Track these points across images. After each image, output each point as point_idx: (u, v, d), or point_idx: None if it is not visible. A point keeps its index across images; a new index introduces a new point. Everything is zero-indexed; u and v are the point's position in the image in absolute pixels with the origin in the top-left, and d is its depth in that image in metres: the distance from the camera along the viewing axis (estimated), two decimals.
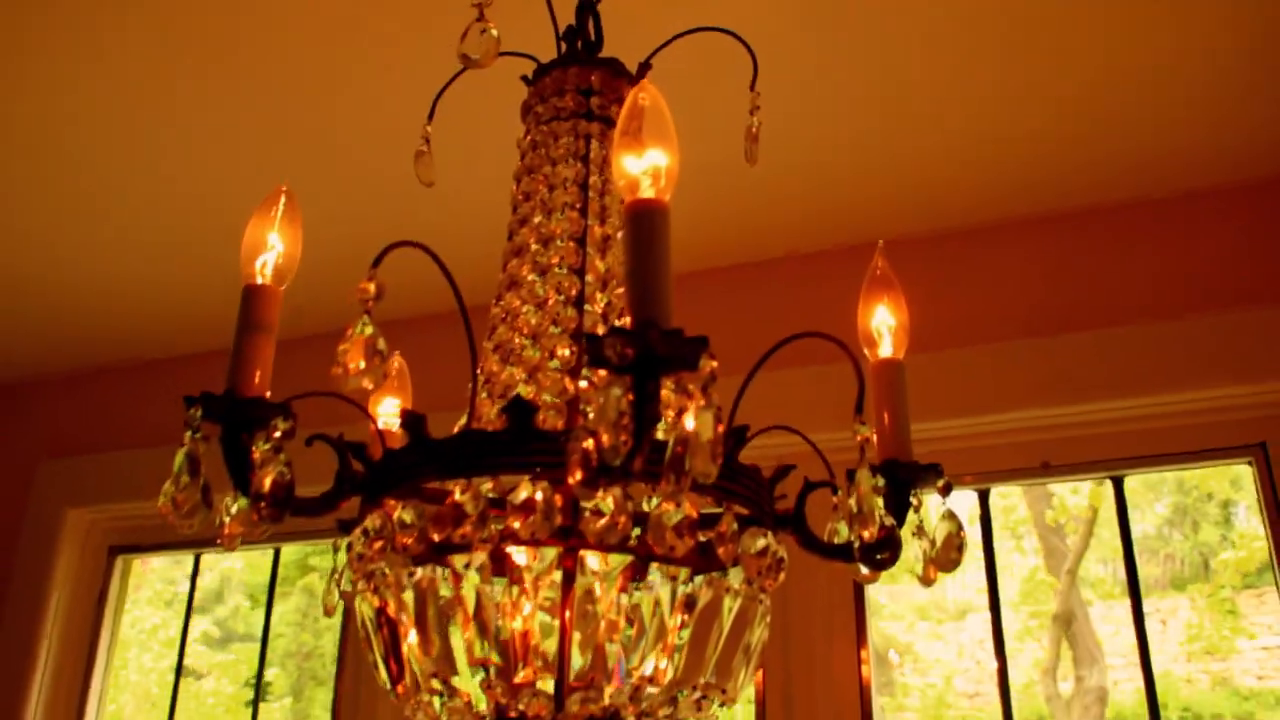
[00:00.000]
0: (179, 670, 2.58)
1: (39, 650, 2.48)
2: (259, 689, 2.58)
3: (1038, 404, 1.85)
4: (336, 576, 0.97)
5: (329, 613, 0.96)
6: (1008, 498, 9.70)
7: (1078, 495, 10.22)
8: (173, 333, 2.56)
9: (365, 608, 0.79)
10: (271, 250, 0.81)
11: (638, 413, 0.59)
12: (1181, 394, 1.79)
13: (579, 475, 0.61)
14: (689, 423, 0.60)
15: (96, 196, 2.02)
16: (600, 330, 0.85)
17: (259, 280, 0.80)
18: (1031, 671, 9.75)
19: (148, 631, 7.63)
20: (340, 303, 2.21)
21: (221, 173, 1.95)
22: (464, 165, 1.78)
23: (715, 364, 0.62)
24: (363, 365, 0.70)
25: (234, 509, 0.83)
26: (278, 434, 0.75)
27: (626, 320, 0.85)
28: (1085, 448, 1.86)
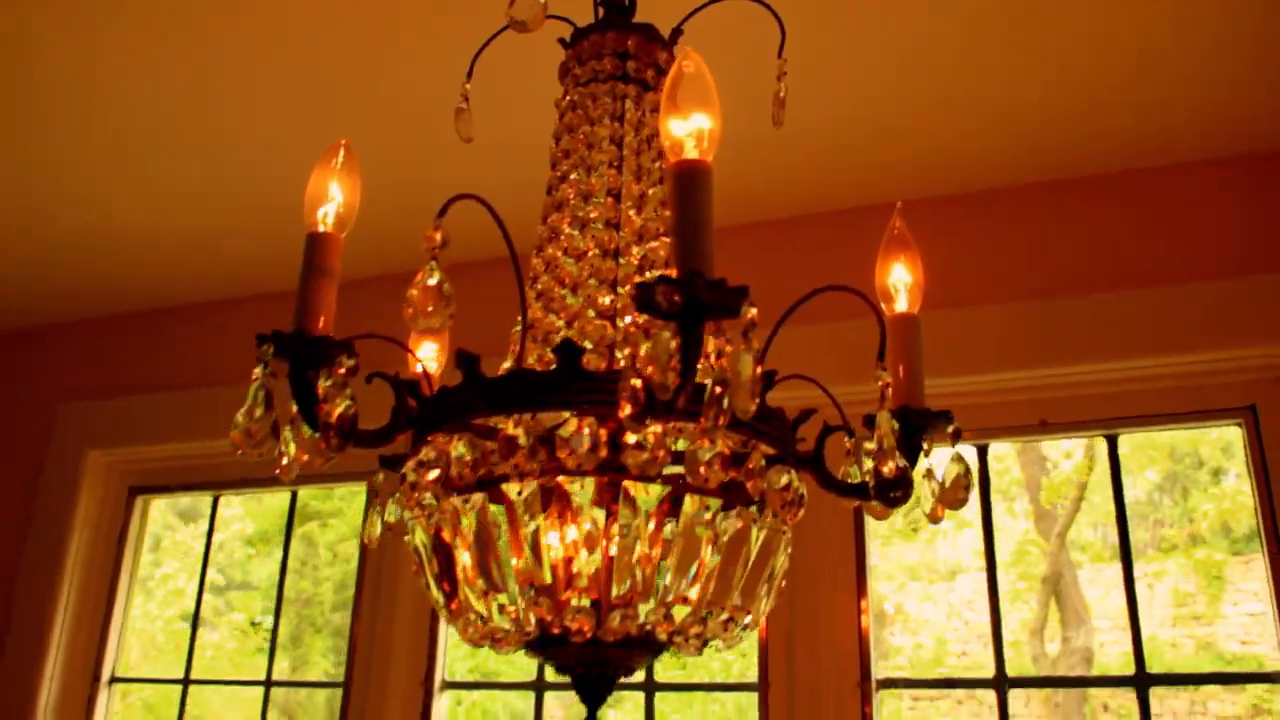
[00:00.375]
0: (197, 610, 2.66)
1: (61, 588, 2.56)
2: (276, 631, 2.65)
3: (1037, 364, 1.91)
4: (379, 509, 1.04)
5: (370, 544, 1.03)
6: (1001, 460, 9.80)
7: (1070, 459, 10.32)
8: (194, 279, 2.61)
9: (420, 534, 0.85)
10: (332, 200, 0.87)
11: (684, 355, 0.65)
12: (1175, 357, 1.85)
13: (629, 410, 0.67)
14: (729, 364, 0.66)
15: (129, 142, 2.05)
16: (636, 281, 0.91)
17: (321, 228, 0.86)
18: (1019, 632, 9.90)
19: (157, 580, 7.74)
20: (371, 250, 2.27)
21: (254, 122, 1.98)
22: (501, 122, 1.83)
23: (755, 311, 0.68)
24: (431, 308, 0.76)
25: (291, 442, 0.89)
26: (342, 371, 0.80)
27: (657, 273, 0.91)
28: (1081, 407, 1.93)
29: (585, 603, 0.79)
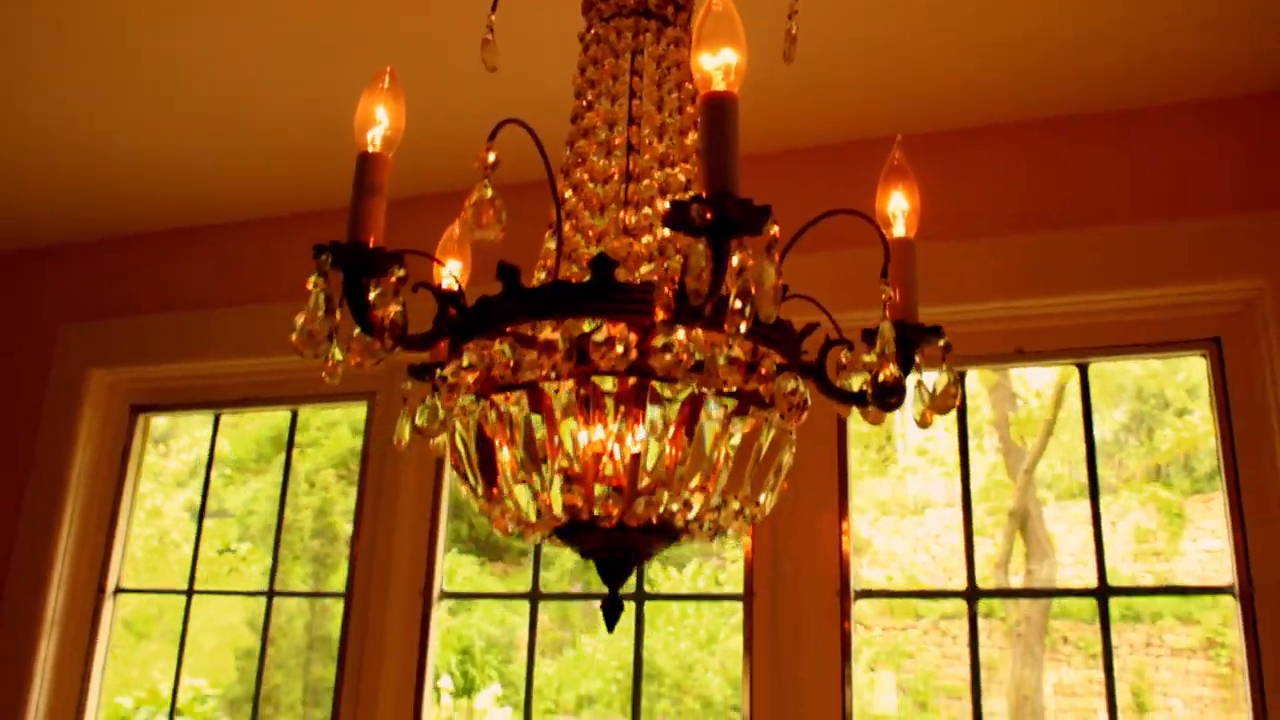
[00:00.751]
0: (200, 521, 2.75)
1: (65, 503, 2.63)
2: (278, 543, 2.74)
3: (1015, 295, 2.01)
4: (408, 415, 1.12)
5: (399, 446, 1.11)
6: (973, 399, 9.99)
7: (1040, 400, 10.52)
8: (197, 201, 2.65)
9: (461, 429, 0.94)
10: (379, 124, 0.94)
11: (714, 266, 0.74)
12: (1145, 291, 1.95)
13: (663, 315, 0.76)
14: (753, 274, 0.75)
15: (133, 61, 2.07)
16: (660, 204, 0.99)
17: (370, 149, 0.93)
18: (985, 566, 10.17)
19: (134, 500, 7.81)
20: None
21: (263, 43, 2.01)
22: (525, 53, 1.88)
23: (777, 229, 0.77)
24: (486, 220, 0.84)
25: (335, 348, 0.97)
26: (393, 279, 0.88)
27: (675, 196, 1.00)
28: (1056, 337, 2.03)
29: (613, 492, 0.89)
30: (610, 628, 0.97)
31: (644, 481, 0.89)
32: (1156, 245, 1.95)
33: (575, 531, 0.93)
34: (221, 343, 2.60)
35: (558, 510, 0.91)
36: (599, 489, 0.88)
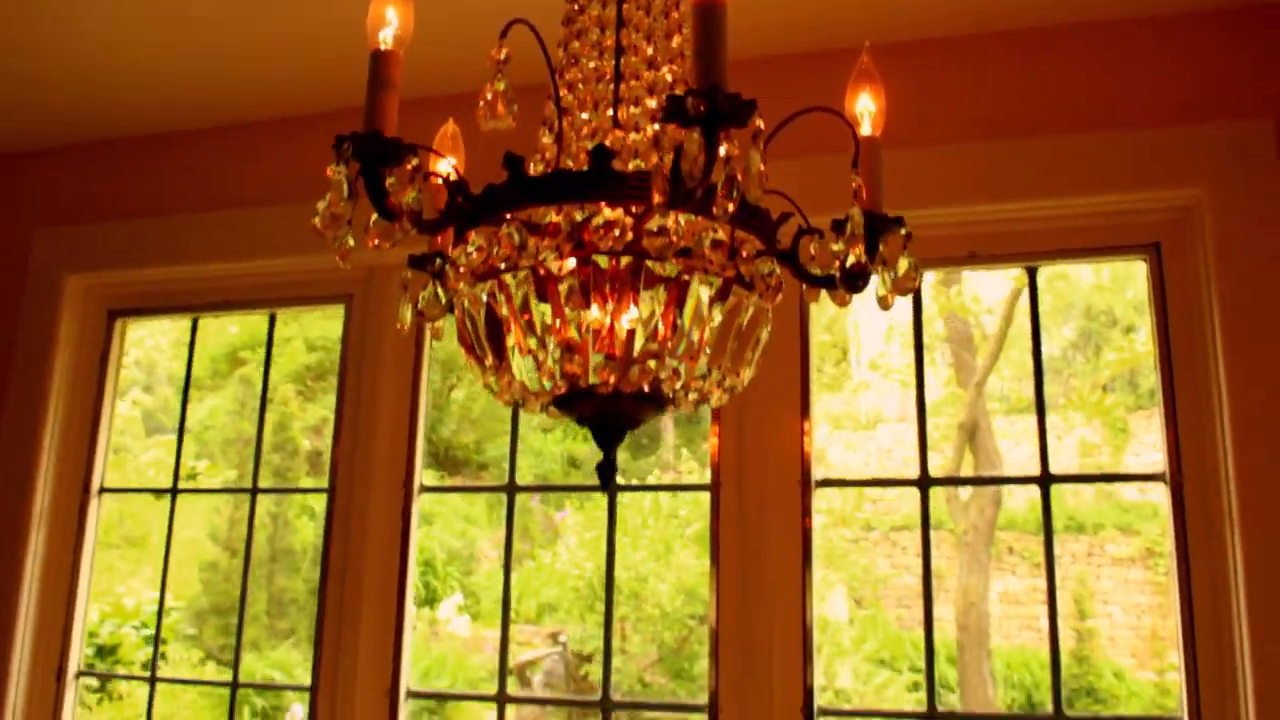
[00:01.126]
0: (182, 423, 2.82)
1: (48, 407, 2.69)
2: (260, 439, 2.82)
3: (968, 201, 2.12)
4: (410, 302, 1.21)
5: (402, 330, 1.20)
6: (924, 312, 10.20)
7: (993, 315, 10.73)
8: (172, 106, 2.68)
9: (471, 307, 1.03)
10: (390, 24, 1.01)
11: (707, 151, 0.83)
12: (1092, 197, 2.07)
13: (659, 198, 0.85)
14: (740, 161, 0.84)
15: None
16: (648, 102, 1.08)
17: (383, 47, 1.01)
18: (935, 474, 10.44)
19: None
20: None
21: None
22: None
23: (761, 122, 0.86)
24: (501, 110, 0.92)
25: (349, 235, 1.05)
26: (409, 168, 0.97)
27: (665, 94, 1.08)
28: (1006, 241, 2.15)
29: (609, 362, 0.99)
30: (604, 488, 1.07)
31: (639, 350, 0.99)
32: (1103, 154, 2.06)
33: (573, 399, 1.03)
34: (198, 247, 2.65)
35: (557, 380, 1.01)
36: (596, 358, 0.98)
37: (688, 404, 1.07)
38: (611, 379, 0.98)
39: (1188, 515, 1.98)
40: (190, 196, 2.70)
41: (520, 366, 1.01)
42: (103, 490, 2.74)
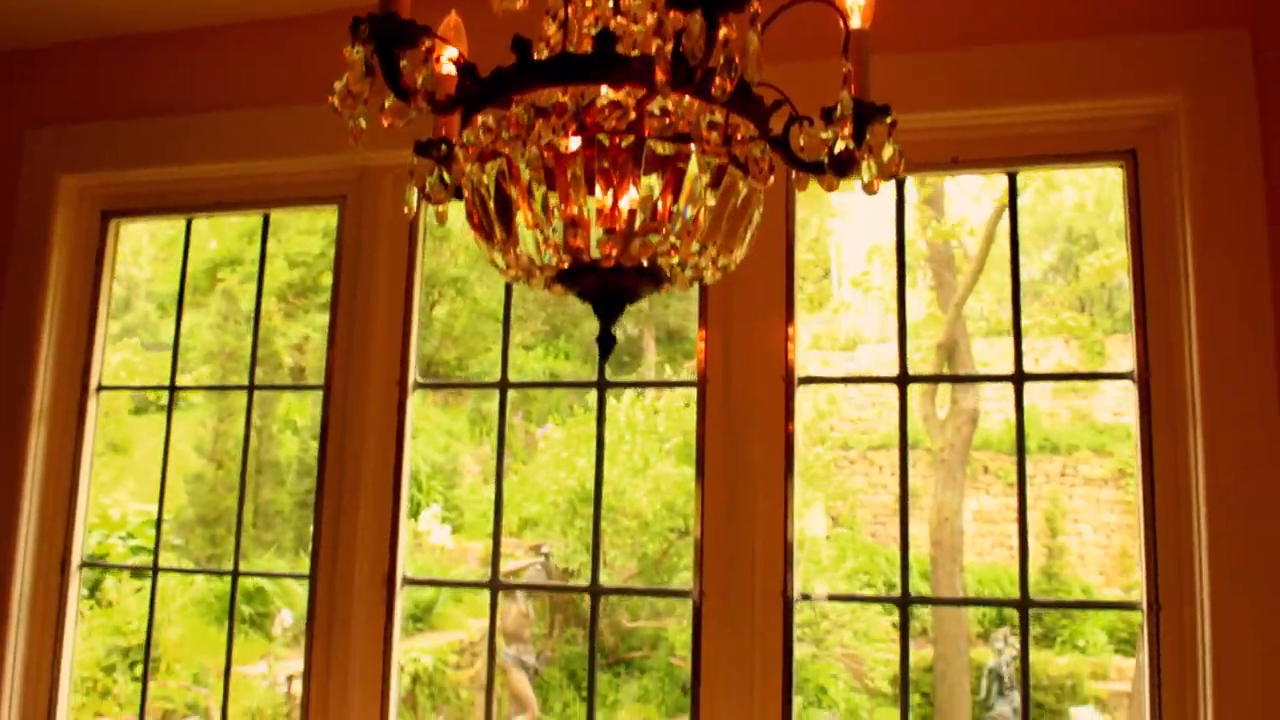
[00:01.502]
0: (179, 317, 2.87)
1: (44, 306, 2.73)
2: (257, 327, 2.87)
3: (951, 106, 2.17)
4: (415, 187, 1.27)
5: (409, 213, 1.26)
6: (910, 239, 10.25)
7: (974, 237, 10.80)
8: (162, 5, 2.68)
9: (482, 181, 1.08)
10: None
11: (707, 34, 0.89)
12: (1072, 103, 2.12)
13: (663, 77, 0.91)
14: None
15: None
16: None
17: None
18: (912, 393, 10.61)
19: None
20: None
21: None
22: None
23: (757, 5, 0.92)
24: None
25: (362, 118, 1.10)
26: (424, 49, 1.02)
27: None
28: (987, 147, 2.21)
29: (610, 236, 1.05)
30: (603, 362, 1.15)
31: (640, 225, 1.05)
32: (1082, 61, 2.11)
33: (576, 274, 1.10)
34: (193, 148, 2.68)
35: (562, 255, 1.07)
36: (598, 232, 1.04)
37: (683, 280, 1.13)
38: (613, 252, 1.05)
39: (1153, 412, 2.08)
40: (185, 97, 2.72)
41: (527, 240, 1.08)
42: (101, 388, 2.80)
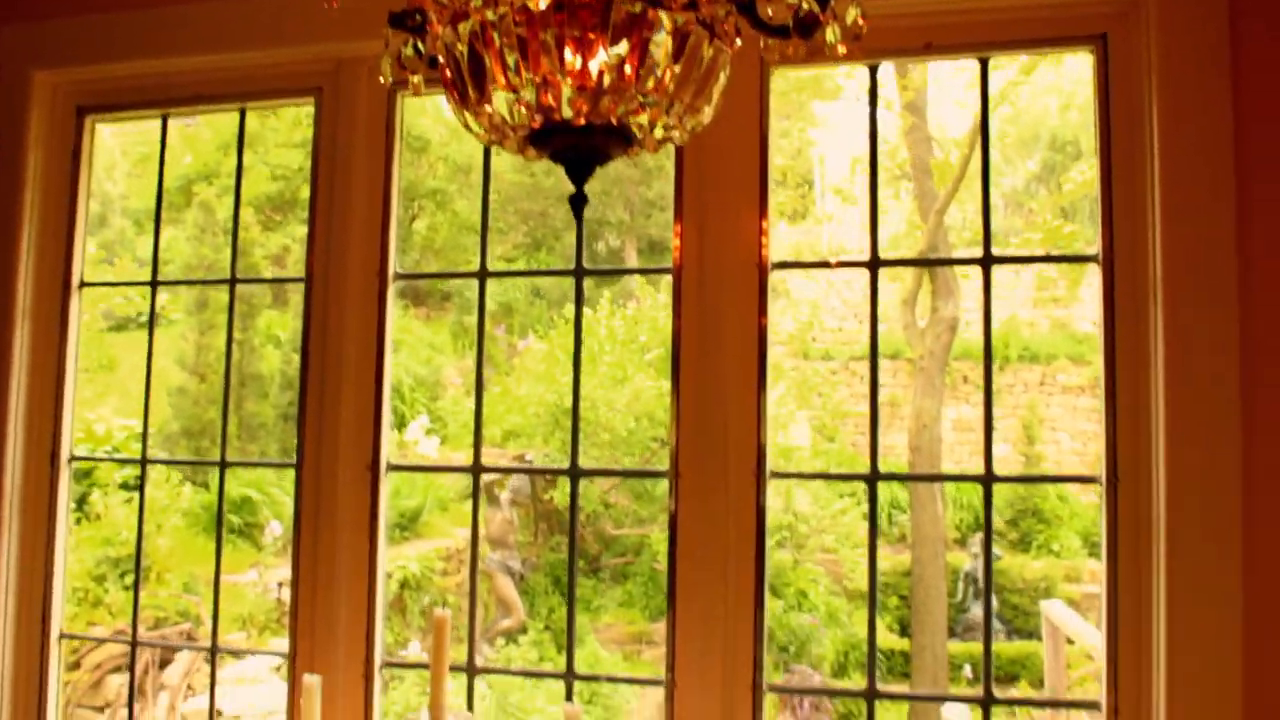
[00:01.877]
0: (158, 212, 2.88)
1: (24, 202, 2.73)
2: (236, 221, 2.89)
3: None
4: (390, 58, 1.30)
5: (384, 82, 1.29)
6: (887, 142, 10.22)
7: (957, 149, 10.78)
8: None
9: (458, 45, 1.11)
10: None
11: None
12: None
13: None
14: None
15: None
16: None
17: None
18: (893, 305, 10.67)
19: None
20: None
21: None
22: None
23: None
24: None
25: None
26: None
27: None
28: (960, 33, 2.22)
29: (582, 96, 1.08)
30: (578, 221, 1.19)
31: (609, 83, 1.08)
32: None
33: (548, 134, 1.13)
34: (168, 40, 2.66)
35: (534, 115, 1.10)
36: (569, 89, 1.07)
37: (652, 141, 1.17)
38: (584, 108, 1.08)
39: (1116, 293, 2.13)
40: None
41: (499, 100, 1.11)
42: (83, 284, 2.82)
